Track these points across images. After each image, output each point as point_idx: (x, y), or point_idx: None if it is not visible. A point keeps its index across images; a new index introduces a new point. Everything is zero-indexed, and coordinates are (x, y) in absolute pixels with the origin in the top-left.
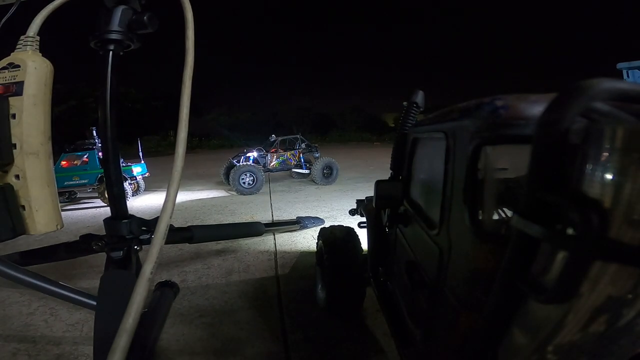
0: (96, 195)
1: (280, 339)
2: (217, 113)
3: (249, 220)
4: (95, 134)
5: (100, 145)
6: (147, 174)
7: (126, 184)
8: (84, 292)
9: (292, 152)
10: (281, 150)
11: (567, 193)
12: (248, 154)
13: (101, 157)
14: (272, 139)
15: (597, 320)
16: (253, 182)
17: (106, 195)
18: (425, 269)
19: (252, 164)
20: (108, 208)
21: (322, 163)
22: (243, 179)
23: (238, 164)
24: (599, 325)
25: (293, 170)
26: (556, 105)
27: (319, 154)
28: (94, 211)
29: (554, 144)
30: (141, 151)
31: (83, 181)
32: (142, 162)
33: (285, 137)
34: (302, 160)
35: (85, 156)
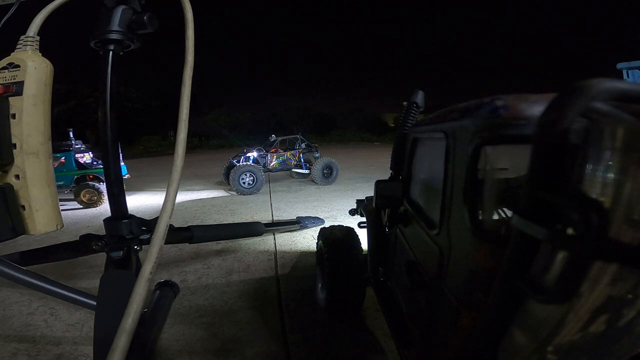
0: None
1: (280, 339)
2: (217, 113)
3: (249, 220)
4: (72, 136)
5: (77, 147)
6: (128, 175)
7: (103, 186)
8: (84, 292)
9: (292, 152)
10: (281, 150)
11: (567, 193)
12: (248, 154)
13: (78, 159)
14: (272, 139)
15: (597, 320)
16: (253, 182)
17: (82, 197)
18: (425, 269)
19: (252, 164)
20: (108, 208)
21: (322, 163)
22: (243, 179)
23: (238, 164)
24: (599, 325)
25: (293, 170)
26: (556, 105)
27: (319, 154)
28: (94, 211)
29: (554, 144)
30: (120, 152)
31: (59, 183)
32: (122, 163)
33: (285, 137)
34: (302, 160)
35: (62, 158)
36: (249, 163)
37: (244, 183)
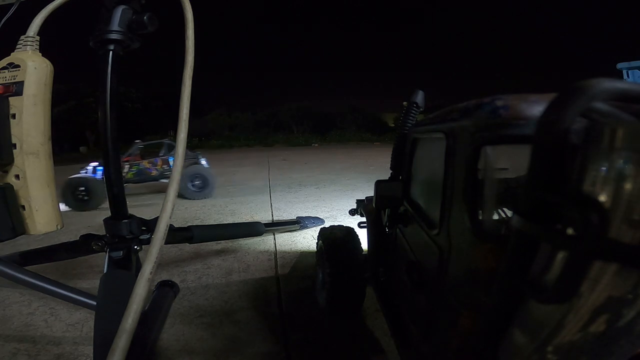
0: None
1: (281, 339)
2: (217, 113)
3: (249, 220)
4: None
5: None
6: None
7: None
8: (84, 292)
9: (151, 160)
10: (138, 159)
11: (567, 193)
12: (94, 164)
13: None
14: (135, 145)
15: (597, 320)
16: (88, 195)
17: None
18: (425, 269)
19: (86, 175)
20: (108, 208)
21: (191, 172)
22: (77, 192)
23: (75, 176)
24: (599, 325)
25: (161, 180)
26: (556, 105)
27: (204, 160)
28: (94, 211)
29: (554, 144)
30: None
31: None
32: None
33: (150, 143)
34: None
35: None
36: (83, 175)
37: (78, 197)
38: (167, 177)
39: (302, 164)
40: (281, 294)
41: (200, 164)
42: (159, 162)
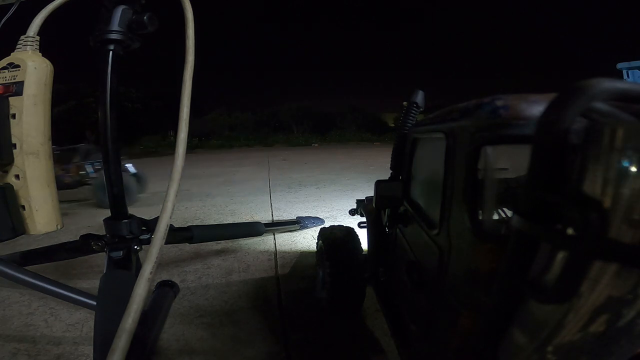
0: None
1: (281, 339)
2: (217, 113)
3: (249, 220)
4: None
5: None
6: None
7: None
8: (84, 292)
9: (64, 166)
10: (56, 166)
11: (567, 193)
12: None
13: None
14: (56, 150)
15: (597, 320)
16: None
17: None
18: (425, 269)
19: None
20: (108, 208)
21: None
22: None
23: None
24: (599, 325)
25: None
26: (556, 105)
27: (130, 165)
28: (94, 211)
29: (554, 144)
30: None
31: None
32: None
33: (66, 148)
34: (89, 174)
35: None
36: None
37: None
38: (88, 184)
39: (302, 164)
40: (281, 294)
41: (126, 171)
42: (73, 168)
